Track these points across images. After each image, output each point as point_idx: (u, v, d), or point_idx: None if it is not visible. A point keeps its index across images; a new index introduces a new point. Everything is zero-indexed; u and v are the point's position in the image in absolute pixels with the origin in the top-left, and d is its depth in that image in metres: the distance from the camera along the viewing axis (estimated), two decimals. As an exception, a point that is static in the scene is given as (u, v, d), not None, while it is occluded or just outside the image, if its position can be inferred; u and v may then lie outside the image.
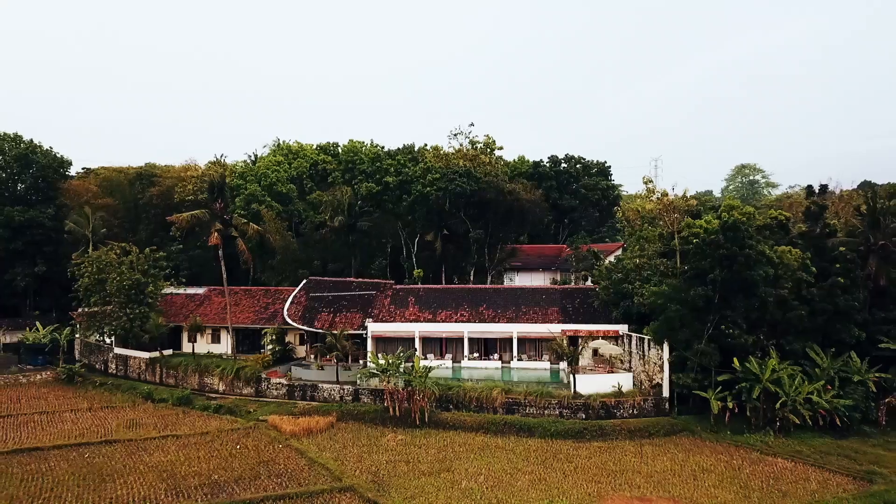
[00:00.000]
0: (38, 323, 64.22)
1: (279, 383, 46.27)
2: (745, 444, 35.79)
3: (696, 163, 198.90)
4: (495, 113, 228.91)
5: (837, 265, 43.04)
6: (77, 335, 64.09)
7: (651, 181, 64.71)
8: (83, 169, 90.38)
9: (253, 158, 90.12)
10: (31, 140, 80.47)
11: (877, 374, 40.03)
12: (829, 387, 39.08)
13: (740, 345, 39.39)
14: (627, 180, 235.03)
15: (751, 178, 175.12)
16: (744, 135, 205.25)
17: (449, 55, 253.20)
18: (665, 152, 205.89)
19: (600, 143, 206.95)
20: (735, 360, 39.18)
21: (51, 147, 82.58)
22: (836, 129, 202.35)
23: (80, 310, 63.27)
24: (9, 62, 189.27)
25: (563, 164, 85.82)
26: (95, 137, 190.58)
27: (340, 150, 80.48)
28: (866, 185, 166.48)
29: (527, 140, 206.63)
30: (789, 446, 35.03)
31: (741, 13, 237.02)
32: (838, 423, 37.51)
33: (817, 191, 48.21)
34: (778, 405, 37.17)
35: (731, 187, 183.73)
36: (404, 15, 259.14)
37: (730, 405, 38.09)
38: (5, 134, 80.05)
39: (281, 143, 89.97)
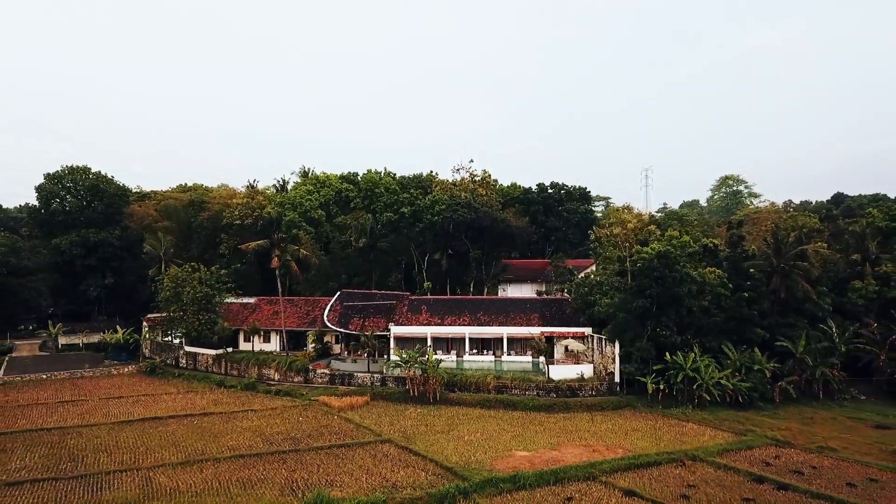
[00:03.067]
0: (118, 326, 76.72)
1: (323, 373, 58.77)
2: (670, 414, 48.17)
3: (695, 165, 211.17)
4: (495, 115, 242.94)
5: (749, 282, 55.78)
6: (146, 336, 76.61)
7: (617, 210, 77.35)
8: (136, 194, 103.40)
9: (281, 183, 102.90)
10: (99, 171, 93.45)
11: (773, 365, 52.57)
12: (738, 374, 51.65)
13: (671, 343, 51.98)
14: (619, 188, 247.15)
15: (734, 188, 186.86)
16: (743, 137, 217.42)
17: (449, 59, 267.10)
18: (665, 154, 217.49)
19: (598, 144, 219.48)
20: (667, 354, 51.71)
21: (112, 176, 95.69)
22: (835, 131, 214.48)
23: (149, 315, 76.14)
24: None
25: (550, 190, 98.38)
26: (96, 142, 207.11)
27: (360, 180, 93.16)
28: (839, 197, 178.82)
29: (526, 141, 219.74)
30: (700, 416, 47.47)
31: (743, 15, 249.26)
32: (740, 400, 49.94)
33: (736, 224, 60.68)
34: (695, 387, 49.71)
35: (715, 197, 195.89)
36: (408, 18, 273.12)
37: (661, 387, 50.50)
38: (76, 167, 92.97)
39: (308, 171, 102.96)
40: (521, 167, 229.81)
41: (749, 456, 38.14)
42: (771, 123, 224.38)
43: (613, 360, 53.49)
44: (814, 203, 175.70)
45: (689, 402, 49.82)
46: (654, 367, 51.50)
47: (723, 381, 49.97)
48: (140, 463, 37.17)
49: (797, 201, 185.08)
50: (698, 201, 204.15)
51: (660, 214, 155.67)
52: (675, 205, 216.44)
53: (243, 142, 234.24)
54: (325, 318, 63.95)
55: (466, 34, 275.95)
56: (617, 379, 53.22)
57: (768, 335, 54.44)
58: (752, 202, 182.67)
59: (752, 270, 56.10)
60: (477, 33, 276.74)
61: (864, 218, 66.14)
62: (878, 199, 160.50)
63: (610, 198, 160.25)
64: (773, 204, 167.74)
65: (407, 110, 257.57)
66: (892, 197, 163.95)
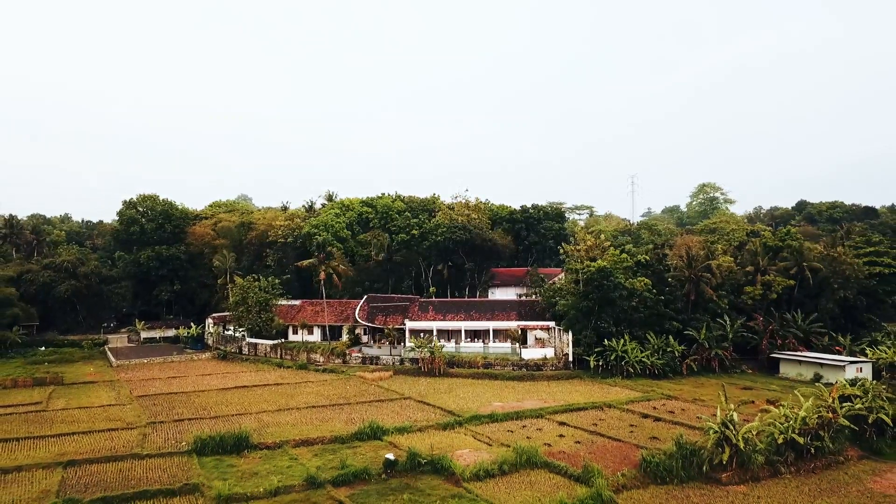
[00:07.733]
0: (192, 323, 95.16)
1: (357, 356, 77.12)
2: (604, 382, 66.33)
3: (684, 169, 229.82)
4: (497, 119, 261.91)
5: (668, 287, 74.17)
6: (213, 331, 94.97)
7: (582, 230, 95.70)
8: (194, 215, 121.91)
9: (309, 204, 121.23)
10: (166, 199, 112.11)
11: (682, 348, 70.77)
12: (656, 354, 69.81)
13: (608, 332, 70.20)
14: (606, 193, 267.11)
15: (711, 195, 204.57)
16: (739, 144, 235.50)
17: (450, 71, 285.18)
18: (659, 157, 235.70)
19: (594, 148, 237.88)
20: (605, 340, 69.97)
21: (172, 200, 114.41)
22: (830, 133, 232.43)
23: (213, 314, 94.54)
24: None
25: (530, 210, 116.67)
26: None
27: (377, 204, 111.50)
28: (802, 204, 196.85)
29: (523, 144, 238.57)
30: (625, 383, 65.60)
31: (744, 15, 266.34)
32: (656, 372, 68.12)
33: (660, 245, 79.07)
34: (624, 363, 68.00)
35: (694, 203, 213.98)
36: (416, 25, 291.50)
37: (600, 363, 68.73)
38: (147, 195, 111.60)
39: (332, 195, 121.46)
40: (517, 170, 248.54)
41: (645, 405, 56.49)
42: (762, 127, 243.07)
43: (568, 344, 71.87)
44: (780, 209, 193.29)
45: (620, 374, 68.03)
46: (596, 350, 69.77)
47: (644, 359, 68.28)
48: (249, 410, 55.45)
49: (766, 207, 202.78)
50: (679, 206, 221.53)
51: (638, 220, 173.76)
52: (658, 209, 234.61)
53: (244, 146, 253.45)
54: (357, 315, 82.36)
55: (469, 49, 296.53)
56: (570, 358, 71.59)
57: (681, 326, 72.62)
58: (727, 207, 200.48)
59: (670, 279, 74.52)
60: (478, 48, 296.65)
61: (758, 238, 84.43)
62: (834, 206, 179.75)
63: (593, 207, 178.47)
64: (732, 215, 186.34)
65: (409, 110, 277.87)
66: (849, 204, 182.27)
